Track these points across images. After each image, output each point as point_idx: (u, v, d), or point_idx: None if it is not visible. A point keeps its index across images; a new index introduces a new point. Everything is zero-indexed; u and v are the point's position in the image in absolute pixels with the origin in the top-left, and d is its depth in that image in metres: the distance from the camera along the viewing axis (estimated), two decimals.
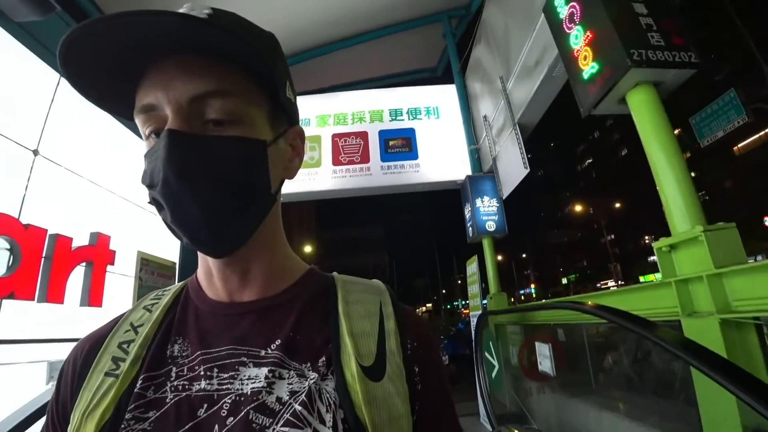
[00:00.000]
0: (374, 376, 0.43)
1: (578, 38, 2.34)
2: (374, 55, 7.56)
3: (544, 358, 2.49)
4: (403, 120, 6.27)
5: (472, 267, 4.83)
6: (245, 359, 0.44)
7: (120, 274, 4.30)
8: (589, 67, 2.24)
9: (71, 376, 0.47)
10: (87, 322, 3.60)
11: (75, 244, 3.62)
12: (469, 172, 5.68)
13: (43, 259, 3.31)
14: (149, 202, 0.45)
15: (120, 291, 4.24)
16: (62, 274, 3.47)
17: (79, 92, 0.43)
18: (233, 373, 0.43)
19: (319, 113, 6.35)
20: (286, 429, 0.38)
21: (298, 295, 0.50)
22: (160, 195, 0.41)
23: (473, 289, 4.72)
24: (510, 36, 4.30)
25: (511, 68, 4.33)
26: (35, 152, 3.40)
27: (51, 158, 3.53)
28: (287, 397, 0.41)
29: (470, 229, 5.38)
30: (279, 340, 0.45)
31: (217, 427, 0.39)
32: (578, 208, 40.20)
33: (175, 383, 0.43)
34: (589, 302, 1.98)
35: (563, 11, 2.50)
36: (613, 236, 35.99)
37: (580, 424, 2.60)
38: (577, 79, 2.36)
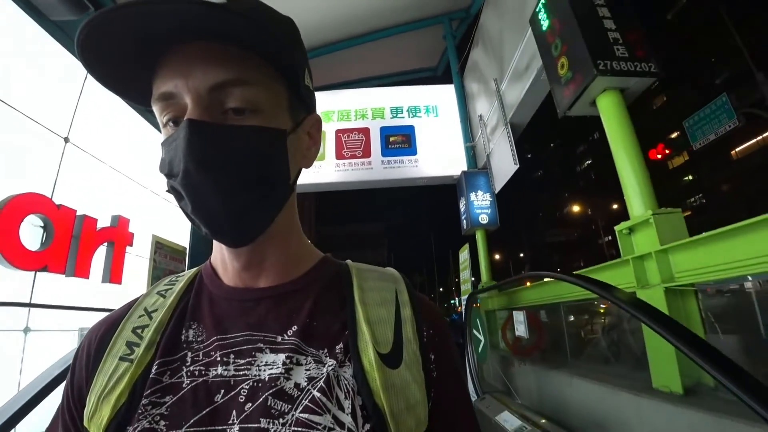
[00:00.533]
0: (391, 364, 0.43)
1: (557, 49, 2.66)
2: (378, 54, 7.87)
3: (519, 323, 2.82)
4: (403, 117, 6.58)
5: (464, 254, 5.17)
6: (262, 345, 0.44)
7: (136, 255, 4.61)
8: (565, 74, 2.56)
9: (86, 360, 0.47)
10: (109, 297, 3.92)
11: (99, 225, 3.94)
12: (465, 168, 6.01)
13: (72, 237, 3.62)
14: (167, 191, 0.45)
15: (136, 271, 4.57)
16: (88, 251, 3.80)
17: (96, 79, 0.43)
18: (250, 359, 0.43)
19: (324, 109, 6.65)
20: (306, 415, 0.39)
21: (313, 282, 0.51)
22: (180, 186, 0.41)
23: (465, 274, 5.06)
24: (504, 41, 4.62)
25: (504, 71, 4.66)
26: (66, 139, 3.72)
27: (79, 145, 3.84)
28: (305, 383, 0.41)
29: (464, 221, 5.71)
30: (295, 326, 0.45)
31: (234, 412, 0.39)
32: (576, 208, 40.51)
33: (192, 368, 0.43)
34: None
35: (545, 24, 2.82)
36: (610, 237, 36.33)
37: (556, 390, 2.92)
38: (556, 83, 2.68)
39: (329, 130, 6.50)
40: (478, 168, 5.96)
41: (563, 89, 2.61)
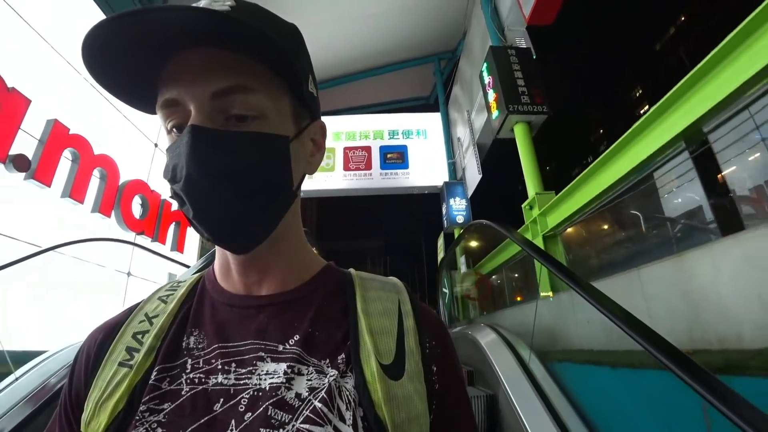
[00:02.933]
0: (394, 375, 0.43)
1: (491, 95, 4.20)
2: (381, 85, 9.59)
3: (463, 264, 4.22)
4: (398, 138, 8.16)
5: (440, 241, 6.62)
6: (263, 354, 0.43)
7: (190, 235, 6.04)
8: (495, 112, 4.08)
9: (85, 364, 0.47)
10: (177, 258, 5.35)
11: (172, 208, 5.41)
12: (446, 179, 7.52)
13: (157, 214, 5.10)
14: (171, 197, 0.47)
15: (192, 245, 6.00)
16: (166, 225, 5.27)
17: (102, 86, 0.43)
18: (251, 368, 0.43)
19: (335, 130, 8.23)
20: (306, 426, 0.38)
21: (316, 290, 0.50)
22: (182, 191, 0.41)
23: (440, 255, 6.50)
24: (473, 82, 6.20)
25: (473, 105, 6.23)
26: (156, 145, 5.23)
27: (162, 149, 5.36)
28: (306, 394, 0.40)
29: (445, 221, 7.19)
30: (297, 336, 0.45)
31: (233, 422, 0.39)
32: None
33: (191, 376, 0.42)
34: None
35: (486, 80, 4.37)
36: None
37: (497, 321, 4.33)
38: (491, 117, 4.19)
39: (338, 147, 8.06)
40: (456, 179, 7.48)
41: (495, 121, 4.14)
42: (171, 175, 0.42)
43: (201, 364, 0.43)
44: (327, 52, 8.11)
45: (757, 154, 2.21)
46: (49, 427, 0.47)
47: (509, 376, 2.34)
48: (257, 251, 0.46)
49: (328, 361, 0.43)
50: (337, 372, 0.42)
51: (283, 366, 0.42)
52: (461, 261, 4.29)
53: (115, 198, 4.35)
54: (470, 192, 6.64)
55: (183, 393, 0.41)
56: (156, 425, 0.39)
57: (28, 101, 3.31)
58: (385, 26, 7.67)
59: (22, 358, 2.77)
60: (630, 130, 2.13)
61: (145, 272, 4.86)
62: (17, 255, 2.77)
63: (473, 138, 6.18)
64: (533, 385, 2.19)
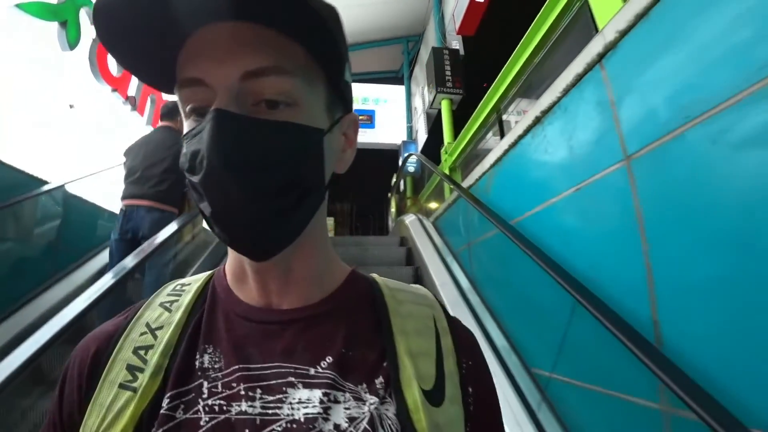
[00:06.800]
0: (435, 401, 0.40)
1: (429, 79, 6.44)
2: (358, 59, 11.52)
3: (401, 181, 6.54)
4: (369, 104, 10.29)
5: (394, 178, 8.97)
6: (293, 379, 0.39)
7: None
8: (430, 91, 6.33)
9: (77, 382, 0.40)
10: None
11: None
12: (405, 139, 9.79)
13: None
14: (185, 190, 0.56)
15: None
16: None
17: (113, 56, 0.37)
18: (281, 395, 0.38)
19: None
20: None
21: (343, 303, 0.46)
22: (200, 185, 0.35)
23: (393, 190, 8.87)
24: (426, 66, 8.39)
25: (427, 82, 8.43)
26: None
27: None
28: (346, 425, 0.36)
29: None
30: (330, 357, 0.40)
31: None
32: None
33: (210, 402, 0.37)
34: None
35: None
36: None
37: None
38: (429, 95, 6.46)
39: None
40: (411, 139, 9.77)
41: (430, 97, 6.40)
42: (189, 165, 0.36)
43: (220, 389, 0.38)
44: None
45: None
46: None
47: (416, 232, 4.70)
48: (280, 256, 0.40)
49: (365, 385, 0.39)
50: (377, 399, 0.38)
51: (318, 393, 0.37)
52: (401, 185, 6.59)
53: None
54: (420, 148, 8.95)
55: (202, 423, 0.35)
56: None
57: None
58: (363, 14, 9.65)
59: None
60: (477, 107, 4.43)
61: None
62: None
63: (424, 108, 8.42)
64: (425, 230, 4.59)
